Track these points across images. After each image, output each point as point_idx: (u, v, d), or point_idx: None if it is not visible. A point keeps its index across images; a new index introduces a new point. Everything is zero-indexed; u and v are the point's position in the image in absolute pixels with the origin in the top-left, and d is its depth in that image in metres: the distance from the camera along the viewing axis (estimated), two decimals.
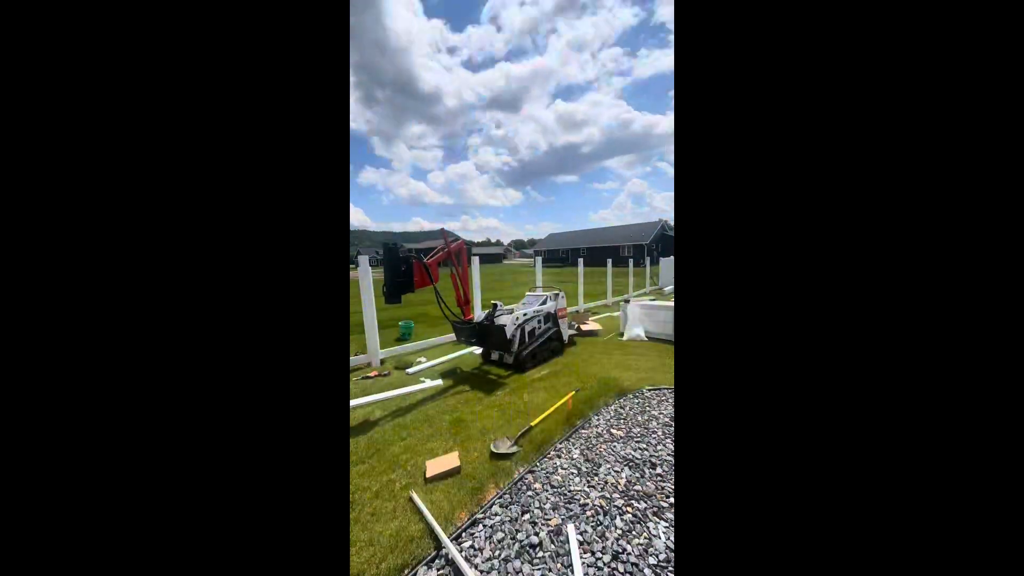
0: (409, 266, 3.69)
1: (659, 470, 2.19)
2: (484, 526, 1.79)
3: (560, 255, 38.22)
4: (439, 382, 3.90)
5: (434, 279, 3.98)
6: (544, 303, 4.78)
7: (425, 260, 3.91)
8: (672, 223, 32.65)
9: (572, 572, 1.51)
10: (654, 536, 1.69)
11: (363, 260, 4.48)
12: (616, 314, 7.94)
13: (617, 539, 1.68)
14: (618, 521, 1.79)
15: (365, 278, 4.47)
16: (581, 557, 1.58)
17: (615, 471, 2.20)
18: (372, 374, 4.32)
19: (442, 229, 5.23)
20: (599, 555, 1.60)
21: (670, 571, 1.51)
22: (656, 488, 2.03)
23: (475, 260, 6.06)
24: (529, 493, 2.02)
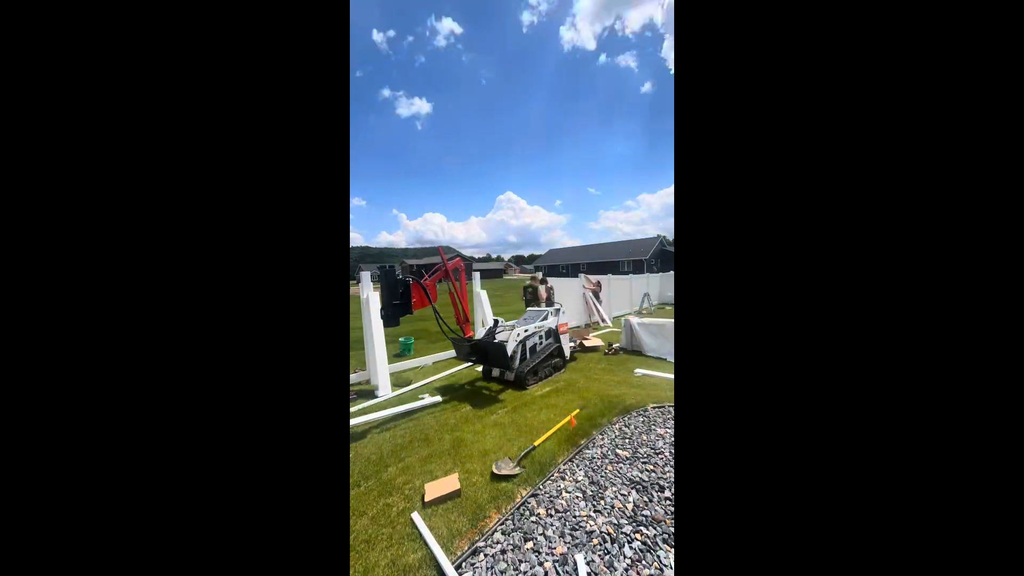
0: (407, 288, 3.66)
1: (667, 493, 2.10)
2: (486, 555, 1.70)
3: (561, 270, 38.41)
4: (438, 399, 3.81)
5: (432, 299, 3.95)
6: (545, 319, 4.73)
7: (423, 280, 3.88)
8: (669, 238, 32.88)
9: None
10: (665, 567, 1.60)
11: (364, 276, 4.47)
12: (617, 330, 7.95)
13: (626, 569, 1.59)
14: (627, 550, 1.70)
15: (366, 294, 4.44)
16: None
17: (622, 495, 2.11)
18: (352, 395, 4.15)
19: (439, 248, 5.24)
20: None
21: None
22: (665, 513, 1.94)
23: (476, 276, 6.06)
24: (532, 518, 1.93)
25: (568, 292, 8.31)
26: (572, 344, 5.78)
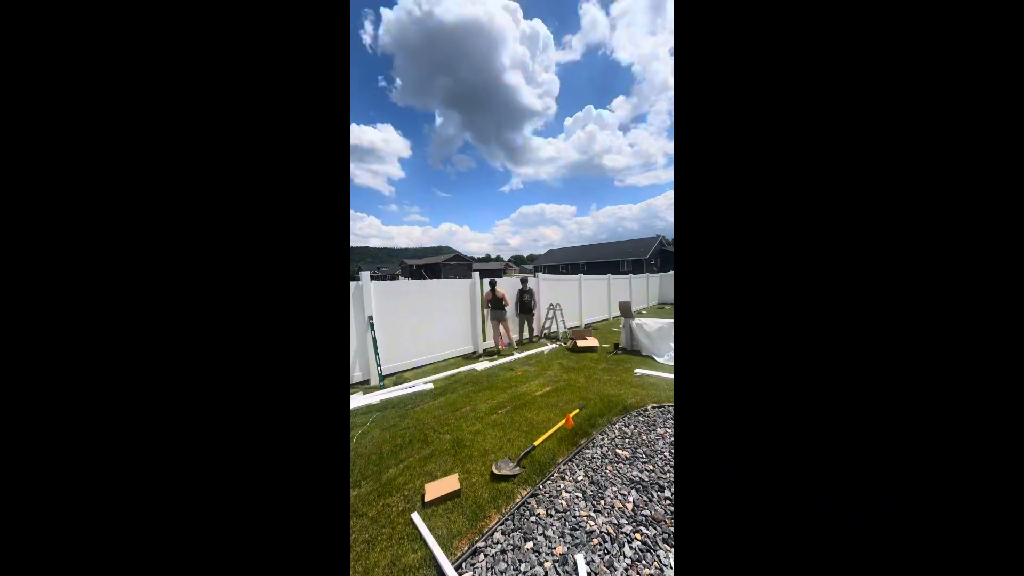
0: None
1: (667, 493, 2.10)
2: (486, 555, 1.70)
3: (560, 270, 38.42)
4: (430, 386, 3.83)
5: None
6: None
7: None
8: (669, 238, 32.87)
9: None
10: (665, 566, 1.60)
11: (364, 276, 4.48)
12: (615, 329, 7.96)
13: (626, 569, 1.59)
14: (627, 549, 1.70)
15: (366, 293, 4.44)
16: None
17: (622, 494, 2.11)
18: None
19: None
20: None
21: None
22: (665, 513, 1.94)
23: (476, 275, 6.06)
24: (532, 518, 1.93)
25: (566, 292, 8.60)
26: (564, 344, 5.78)
